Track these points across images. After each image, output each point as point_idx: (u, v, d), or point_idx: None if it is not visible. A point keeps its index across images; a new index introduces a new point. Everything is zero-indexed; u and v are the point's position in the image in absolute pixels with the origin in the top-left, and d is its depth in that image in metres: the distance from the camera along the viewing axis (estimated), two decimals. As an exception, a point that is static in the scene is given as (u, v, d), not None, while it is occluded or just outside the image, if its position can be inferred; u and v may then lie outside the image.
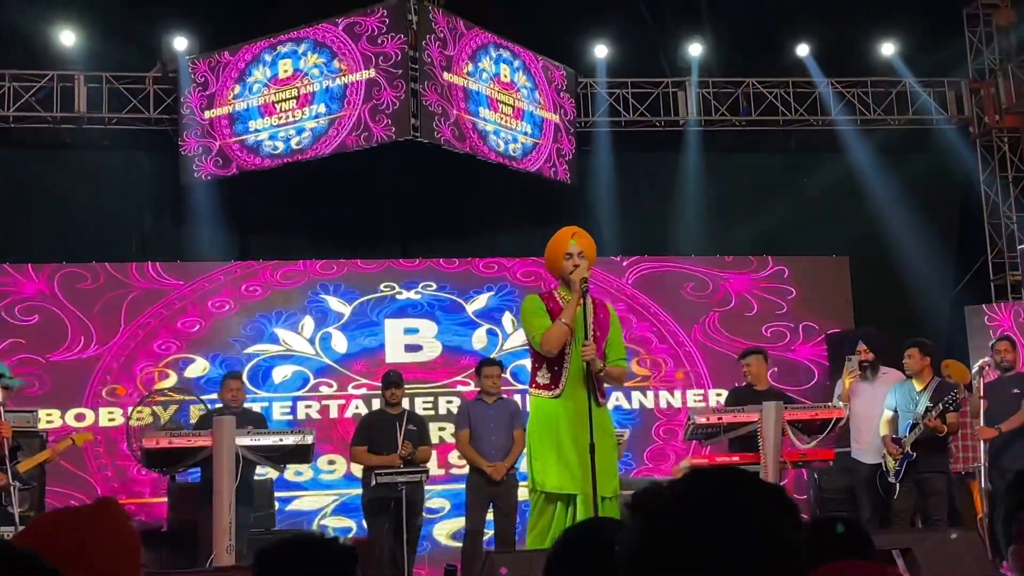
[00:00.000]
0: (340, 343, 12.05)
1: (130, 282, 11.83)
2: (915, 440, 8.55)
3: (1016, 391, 8.91)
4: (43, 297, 11.65)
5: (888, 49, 13.58)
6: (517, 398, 11.15)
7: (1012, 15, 13.45)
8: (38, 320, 11.59)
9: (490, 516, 8.98)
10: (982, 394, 8.81)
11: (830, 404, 8.69)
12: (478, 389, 9.46)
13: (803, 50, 13.41)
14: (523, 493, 9.19)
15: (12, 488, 8.07)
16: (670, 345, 12.71)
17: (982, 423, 8.74)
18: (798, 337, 12.84)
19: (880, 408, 8.96)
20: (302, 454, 8.22)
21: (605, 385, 6.16)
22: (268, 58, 11.83)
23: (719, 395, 11.85)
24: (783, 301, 12.96)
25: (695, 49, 13.29)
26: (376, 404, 10.64)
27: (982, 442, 8.74)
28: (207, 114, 12.00)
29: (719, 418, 7.97)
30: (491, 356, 10.57)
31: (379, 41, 11.14)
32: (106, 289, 11.76)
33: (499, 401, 9.18)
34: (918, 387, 8.80)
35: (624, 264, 12.71)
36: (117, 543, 2.12)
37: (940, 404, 8.46)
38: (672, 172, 13.43)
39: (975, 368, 8.97)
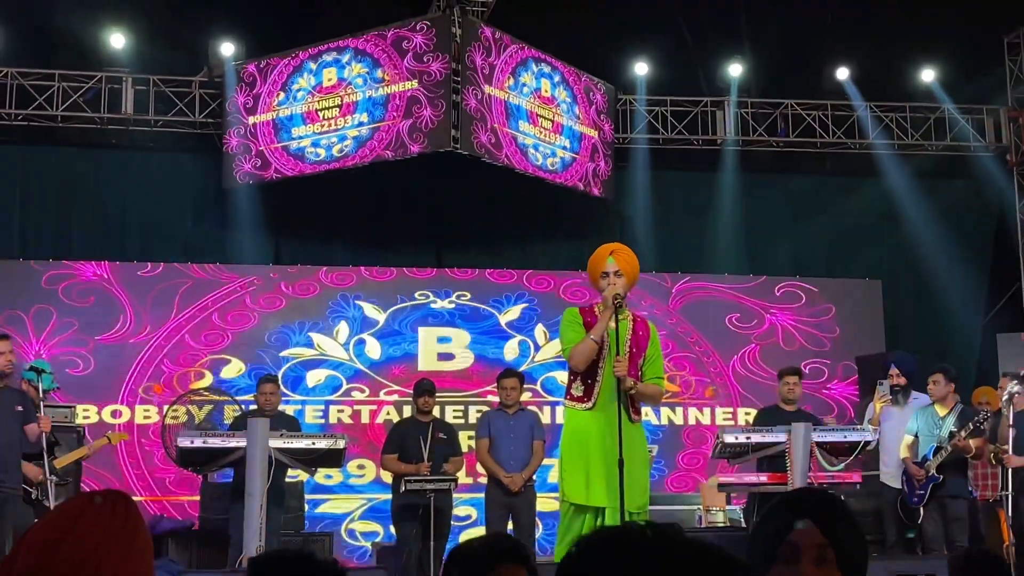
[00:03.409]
0: (374, 349, 12.19)
1: (189, 272, 12.15)
2: (940, 463, 8.58)
3: (1046, 420, 8.90)
4: (101, 280, 11.94)
5: (928, 75, 13.59)
6: (547, 410, 11.23)
7: (1053, 44, 13.45)
8: (94, 301, 11.88)
9: (510, 526, 9.01)
10: (1011, 422, 8.81)
11: (858, 427, 8.71)
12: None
13: (842, 73, 13.44)
14: (544, 504, 9.28)
15: (49, 483, 8.20)
16: (707, 375, 12.80)
17: (1010, 451, 8.74)
18: (836, 376, 12.92)
19: (910, 433, 8.99)
20: (334, 458, 8.29)
21: (640, 403, 6.18)
22: (313, 66, 11.97)
23: (748, 414, 11.89)
24: (826, 340, 13.03)
25: (734, 69, 13.35)
26: (407, 411, 10.74)
27: (1010, 471, 8.73)
28: (251, 119, 12.16)
29: (747, 437, 7.98)
30: (512, 367, 10.53)
31: (424, 57, 11.25)
32: (162, 278, 12.09)
33: (520, 412, 9.20)
34: (941, 412, 8.83)
35: (671, 288, 12.82)
36: (130, 542, 2.12)
37: (970, 424, 8.50)
38: (708, 191, 13.49)
39: (1005, 396, 8.96)
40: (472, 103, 11.19)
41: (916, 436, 8.86)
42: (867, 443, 8.19)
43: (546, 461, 9.31)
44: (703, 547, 1.52)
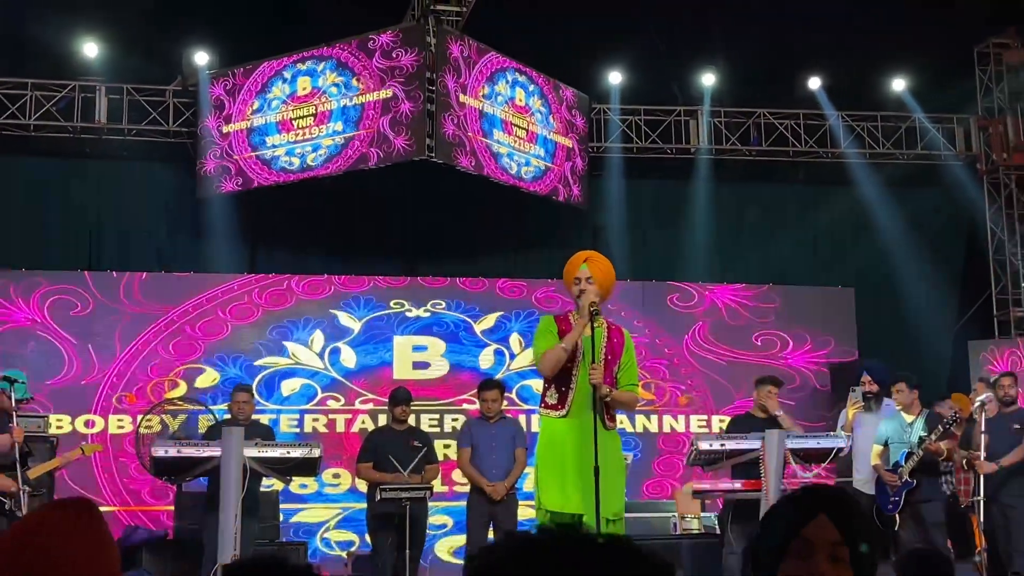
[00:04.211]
0: (349, 358, 12.17)
1: (119, 307, 11.84)
2: (913, 468, 8.66)
3: (1017, 426, 8.97)
4: (35, 324, 11.68)
5: (899, 85, 13.72)
6: (522, 418, 11.23)
7: (1022, 54, 13.59)
8: (33, 348, 11.61)
9: (491, 534, 9.00)
10: (983, 429, 8.89)
11: (831, 434, 8.76)
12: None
13: (815, 83, 13.55)
14: (524, 512, 9.28)
15: (22, 494, 8.15)
16: (664, 357, 12.81)
17: (983, 458, 8.81)
18: (788, 345, 12.97)
19: (882, 439, 9.06)
20: (309, 467, 8.26)
21: (615, 410, 6.20)
22: (287, 75, 11.96)
23: (722, 421, 11.92)
24: (770, 310, 13.11)
25: (708, 79, 13.43)
26: (383, 420, 10.73)
27: (982, 477, 8.81)
28: (225, 128, 12.13)
29: (722, 444, 8.01)
30: (493, 377, 10.57)
31: (394, 55, 11.24)
32: (98, 314, 11.80)
33: (501, 420, 9.19)
34: (908, 419, 8.93)
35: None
36: (95, 550, 2.14)
37: (940, 426, 8.59)
38: (682, 199, 13.56)
39: (976, 403, 9.04)
40: (446, 115, 11.19)
41: (886, 444, 8.94)
42: (840, 449, 8.24)
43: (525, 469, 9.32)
44: (621, 545, 1.51)
